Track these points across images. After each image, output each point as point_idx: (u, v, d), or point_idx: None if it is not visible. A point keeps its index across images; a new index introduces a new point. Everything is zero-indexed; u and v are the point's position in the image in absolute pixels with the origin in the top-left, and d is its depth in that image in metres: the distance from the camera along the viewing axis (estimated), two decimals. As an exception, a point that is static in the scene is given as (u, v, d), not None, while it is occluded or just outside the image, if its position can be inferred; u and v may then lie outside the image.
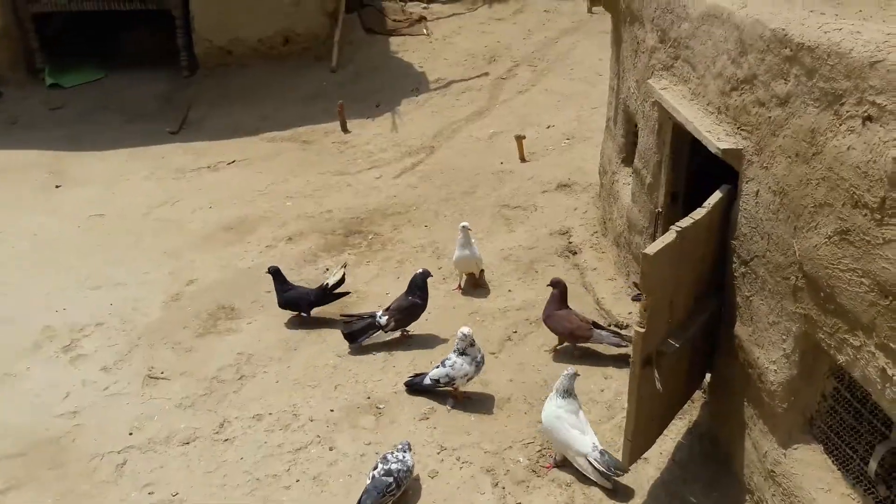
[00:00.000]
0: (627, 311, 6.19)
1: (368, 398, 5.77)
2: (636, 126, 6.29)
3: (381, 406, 5.68)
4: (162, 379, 6.12)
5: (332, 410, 5.66)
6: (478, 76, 12.05)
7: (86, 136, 10.99)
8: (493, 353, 6.10)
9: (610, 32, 7.16)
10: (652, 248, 3.69)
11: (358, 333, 6.20)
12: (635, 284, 6.00)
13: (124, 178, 9.91)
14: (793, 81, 3.56)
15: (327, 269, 7.44)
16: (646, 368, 3.96)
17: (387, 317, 6.18)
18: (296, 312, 6.71)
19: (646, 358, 3.93)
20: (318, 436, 5.44)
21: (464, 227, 6.77)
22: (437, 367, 5.59)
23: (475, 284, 7.02)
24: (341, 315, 6.52)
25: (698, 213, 4.00)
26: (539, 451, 5.13)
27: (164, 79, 12.74)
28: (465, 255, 6.79)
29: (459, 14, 14.36)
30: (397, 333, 6.33)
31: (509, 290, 6.94)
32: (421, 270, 6.26)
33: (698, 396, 5.13)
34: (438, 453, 5.20)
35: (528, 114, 10.60)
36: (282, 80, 12.49)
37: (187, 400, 5.87)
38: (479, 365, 5.46)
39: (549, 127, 10.11)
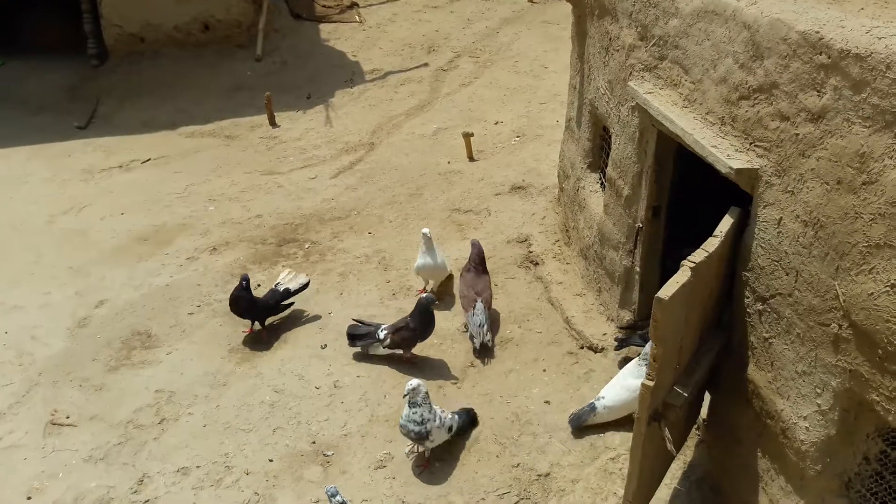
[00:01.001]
0: (601, 331, 5.63)
1: (314, 443, 5.05)
2: (605, 130, 5.73)
3: (328, 453, 4.96)
4: (67, 425, 5.27)
5: (271, 460, 4.93)
6: (417, 67, 11.32)
7: (-23, 132, 9.76)
8: (455, 384, 5.48)
9: (572, 26, 6.54)
10: (666, 292, 3.09)
11: (357, 337, 5.75)
12: (621, 329, 5.42)
13: (23, 180, 8.82)
14: (830, 94, 3.01)
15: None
16: (652, 425, 3.39)
17: (385, 332, 5.61)
18: (251, 323, 6.11)
19: (653, 414, 3.35)
20: (257, 493, 4.72)
21: (425, 234, 6.21)
22: None
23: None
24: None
25: (711, 245, 3.42)
26: (517, 502, 4.52)
27: (70, 68, 11.52)
28: (426, 263, 6.22)
29: (393, 1, 13.57)
30: (402, 352, 5.69)
31: (467, 306, 6.29)
32: (424, 296, 5.67)
33: (691, 433, 4.61)
34: (400, 511, 4.55)
35: (474, 108, 9.94)
36: (201, 69, 11.46)
37: (98, 451, 5.05)
38: (417, 433, 4.69)
39: (497, 123, 9.47)
